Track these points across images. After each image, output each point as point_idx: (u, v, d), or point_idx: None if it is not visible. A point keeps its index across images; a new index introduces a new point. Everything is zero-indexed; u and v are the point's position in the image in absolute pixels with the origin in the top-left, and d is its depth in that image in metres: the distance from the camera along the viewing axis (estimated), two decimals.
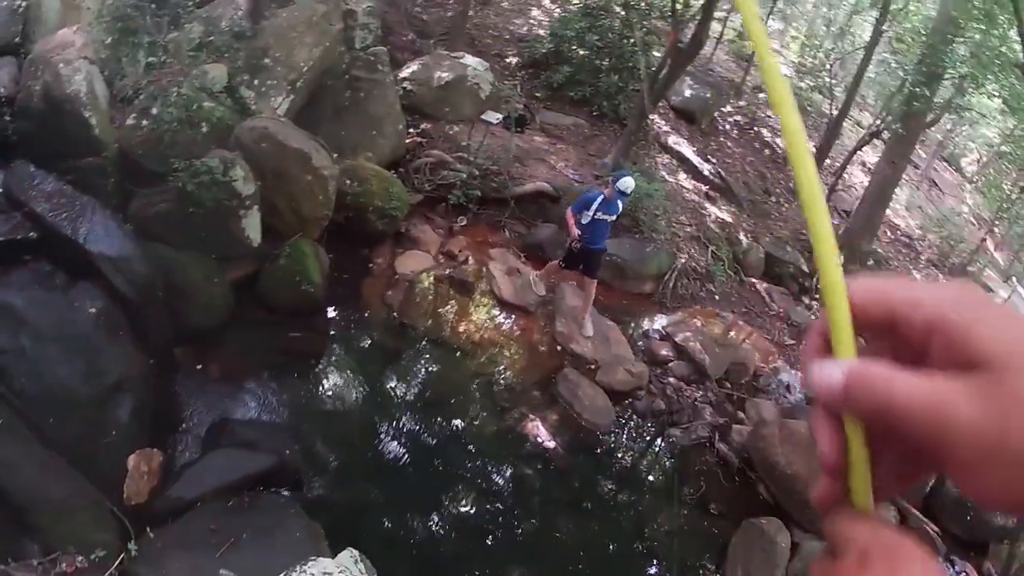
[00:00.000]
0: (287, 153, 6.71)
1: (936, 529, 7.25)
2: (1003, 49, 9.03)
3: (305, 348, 6.52)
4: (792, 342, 9.79)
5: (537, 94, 11.90)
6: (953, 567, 7.35)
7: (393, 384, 6.70)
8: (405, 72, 10.53)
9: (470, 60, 10.97)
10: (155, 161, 6.34)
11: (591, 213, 7.16)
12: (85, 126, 6.30)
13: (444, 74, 10.49)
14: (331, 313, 7.14)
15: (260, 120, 6.91)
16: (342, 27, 8.90)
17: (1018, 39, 7.35)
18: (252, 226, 6.45)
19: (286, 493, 5.05)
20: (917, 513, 7.33)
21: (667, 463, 7.22)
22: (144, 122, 6.61)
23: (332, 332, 7.04)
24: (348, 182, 7.62)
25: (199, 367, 5.82)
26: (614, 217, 7.38)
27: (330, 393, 6.28)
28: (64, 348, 4.74)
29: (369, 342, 7.10)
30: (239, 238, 6.38)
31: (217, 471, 4.81)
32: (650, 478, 7.08)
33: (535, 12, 14.90)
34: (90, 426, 4.64)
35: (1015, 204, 12.90)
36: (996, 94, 10.42)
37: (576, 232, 7.22)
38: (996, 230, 14.68)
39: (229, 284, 6.39)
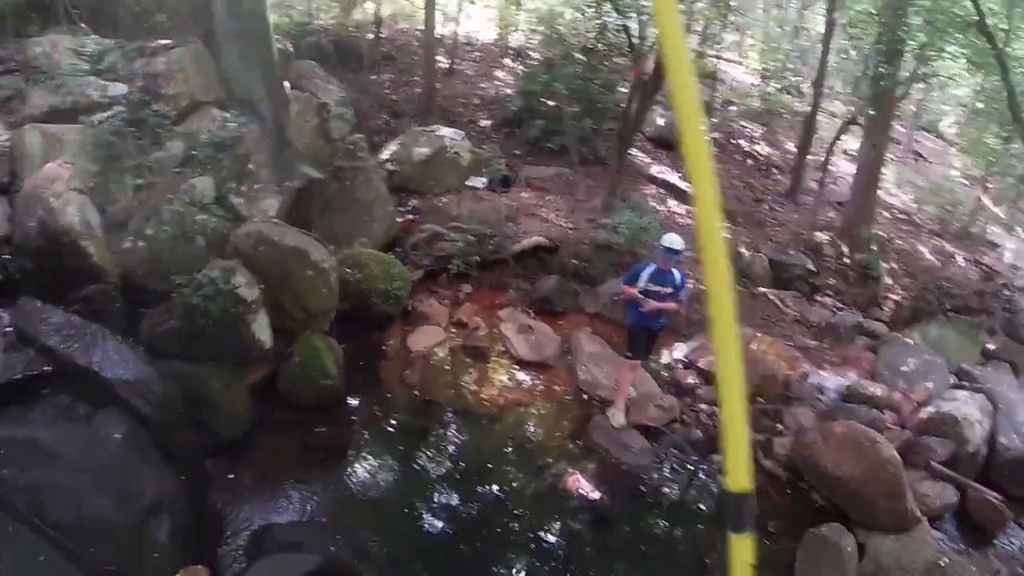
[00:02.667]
0: (285, 253, 6.81)
1: (998, 496, 7.07)
2: (955, 10, 9.11)
3: (333, 442, 6.49)
4: (814, 343, 9.73)
5: (516, 152, 12.13)
6: None
7: (427, 462, 6.62)
8: (385, 154, 10.78)
9: (445, 131, 11.23)
10: (157, 280, 6.49)
11: (642, 286, 6.53)
12: (83, 256, 6.44)
13: (423, 149, 10.74)
14: (353, 402, 7.11)
15: (254, 225, 7.02)
16: (318, 122, 9.13)
17: None
18: (261, 329, 6.50)
19: None
20: (976, 485, 7.17)
21: (715, 491, 7.10)
22: (140, 243, 6.80)
23: (357, 421, 7.00)
24: (348, 271, 7.74)
25: (231, 476, 5.78)
26: (671, 290, 6.61)
27: (366, 482, 6.20)
28: (96, 477, 4.72)
29: (395, 425, 7.05)
30: (250, 343, 6.43)
31: None
32: (702, 510, 6.95)
33: (499, 74, 15.29)
34: (131, 551, 4.59)
35: (1002, 157, 12.91)
36: (959, 55, 10.50)
37: (640, 296, 6.45)
38: (990, 186, 14.64)
39: (248, 389, 6.42)
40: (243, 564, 4.99)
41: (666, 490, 6.93)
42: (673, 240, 6.51)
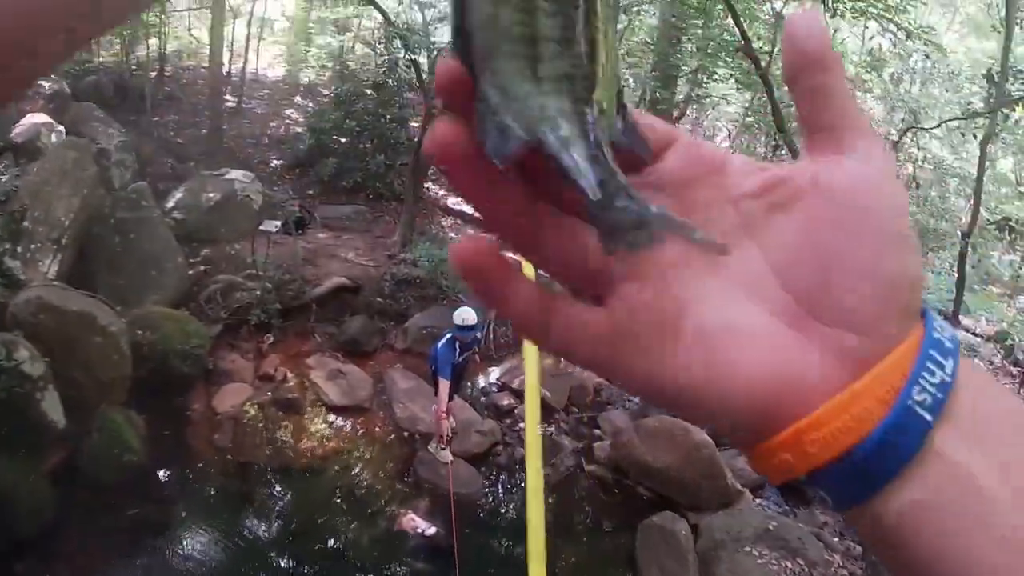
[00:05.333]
0: (69, 319, 6.31)
1: None
2: (725, 36, 10.14)
3: (149, 521, 5.97)
4: None
5: (310, 191, 11.85)
6: None
7: (254, 528, 6.30)
8: (171, 201, 10.08)
9: (235, 174, 10.76)
10: None
11: (456, 360, 6.67)
12: None
13: (212, 194, 10.18)
14: (163, 476, 6.62)
15: (32, 290, 6.44)
16: (97, 169, 8.45)
17: (736, 26, 8.32)
18: (52, 407, 5.97)
19: None
20: None
21: (547, 502, 7.30)
22: None
23: (170, 496, 6.48)
24: (140, 332, 7.18)
25: None
26: (477, 349, 7.43)
27: (192, 560, 5.76)
28: None
29: (213, 493, 6.62)
30: (43, 424, 5.88)
31: None
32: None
33: (289, 111, 14.90)
34: None
35: (773, 162, 14.63)
36: (728, 76, 11.72)
37: (448, 430, 6.66)
38: None
39: (47, 477, 5.82)
40: None
41: (500, 512, 7.04)
42: (466, 317, 6.57)
